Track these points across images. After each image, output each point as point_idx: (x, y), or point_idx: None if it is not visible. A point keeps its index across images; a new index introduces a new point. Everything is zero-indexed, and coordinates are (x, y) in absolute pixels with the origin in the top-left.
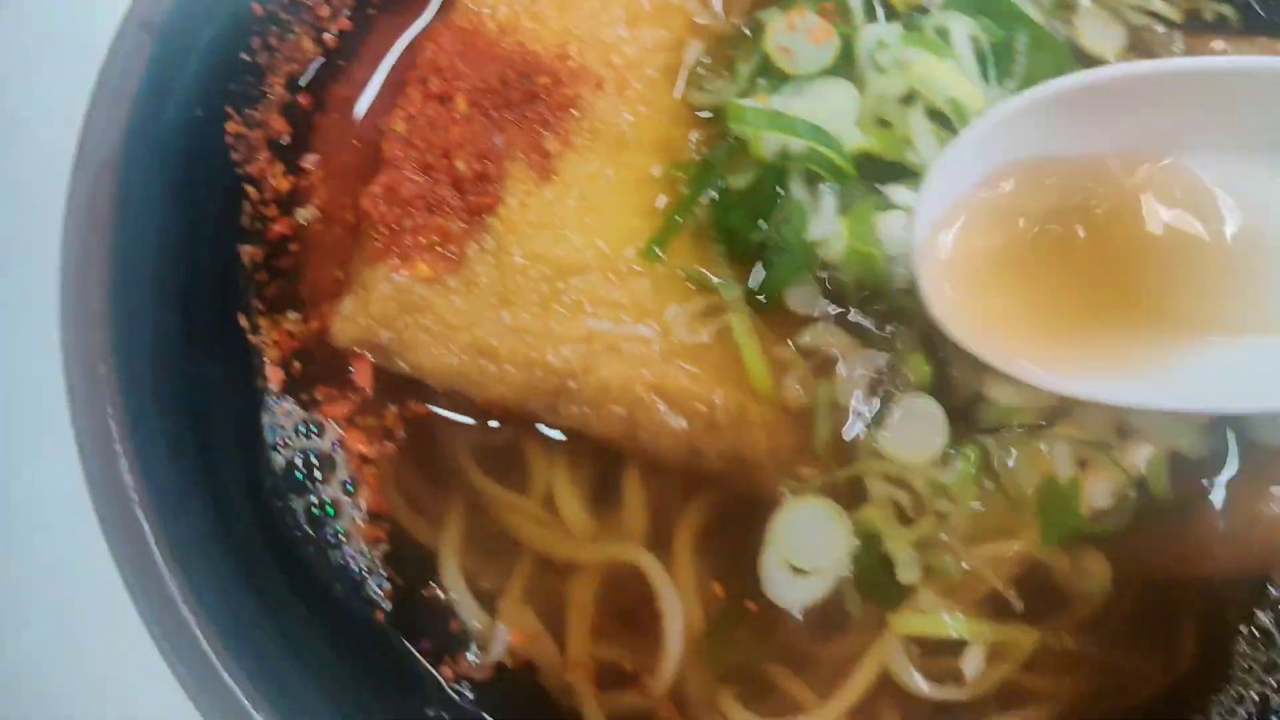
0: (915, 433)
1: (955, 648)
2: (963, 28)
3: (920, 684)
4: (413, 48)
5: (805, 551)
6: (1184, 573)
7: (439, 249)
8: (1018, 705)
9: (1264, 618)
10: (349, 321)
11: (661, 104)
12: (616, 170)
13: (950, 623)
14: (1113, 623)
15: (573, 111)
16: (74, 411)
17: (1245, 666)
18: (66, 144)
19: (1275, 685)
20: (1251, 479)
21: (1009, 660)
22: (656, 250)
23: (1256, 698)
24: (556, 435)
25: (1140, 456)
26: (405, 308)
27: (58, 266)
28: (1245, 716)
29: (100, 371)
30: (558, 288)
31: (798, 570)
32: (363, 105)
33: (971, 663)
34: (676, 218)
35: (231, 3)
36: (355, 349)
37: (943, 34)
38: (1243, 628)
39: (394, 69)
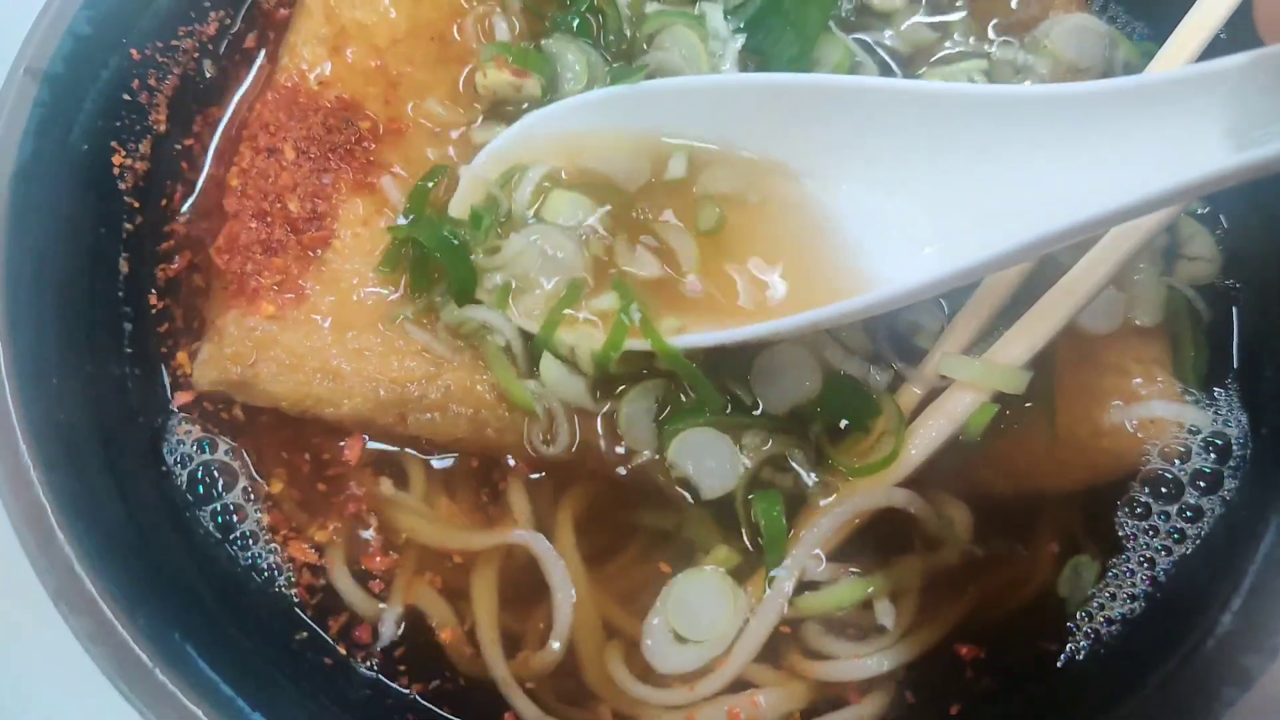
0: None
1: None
2: None
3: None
4: (242, 105)
5: (692, 622)
6: (1051, 483)
7: (281, 287)
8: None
9: (1139, 494)
10: (206, 366)
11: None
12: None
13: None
14: (992, 540)
15: (393, 145)
16: None
17: (1131, 535)
18: None
19: (1159, 548)
20: (1082, 380)
21: (914, 600)
22: (384, 269)
23: (1145, 560)
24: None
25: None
26: (256, 345)
27: None
28: (1142, 579)
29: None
30: (394, 307)
31: (679, 638)
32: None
33: (885, 613)
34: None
35: (112, 48)
36: (216, 388)
37: None
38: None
39: (226, 125)
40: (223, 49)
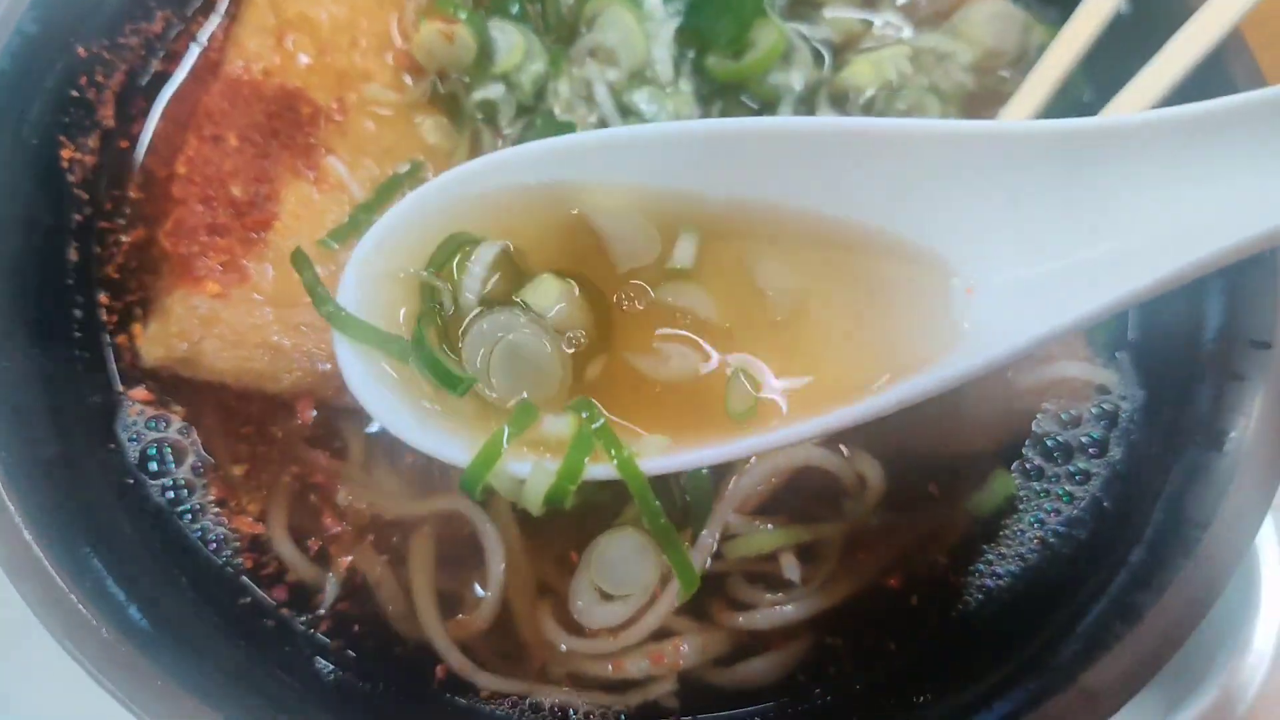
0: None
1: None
2: None
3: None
4: (187, 98)
5: (615, 578)
6: (963, 441)
7: (226, 267)
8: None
9: (1031, 454)
10: (153, 343)
11: (402, 112)
12: (380, 171)
13: (768, 536)
14: (903, 496)
15: (335, 130)
16: None
17: (1025, 498)
18: None
19: (1049, 509)
20: None
21: (830, 552)
22: (331, 243)
23: (1037, 520)
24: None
25: None
26: (200, 323)
27: None
28: (1033, 538)
29: None
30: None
31: (606, 595)
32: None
33: (790, 568)
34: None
35: (59, 46)
36: (163, 364)
37: None
38: (1016, 465)
39: (172, 117)
40: (169, 45)
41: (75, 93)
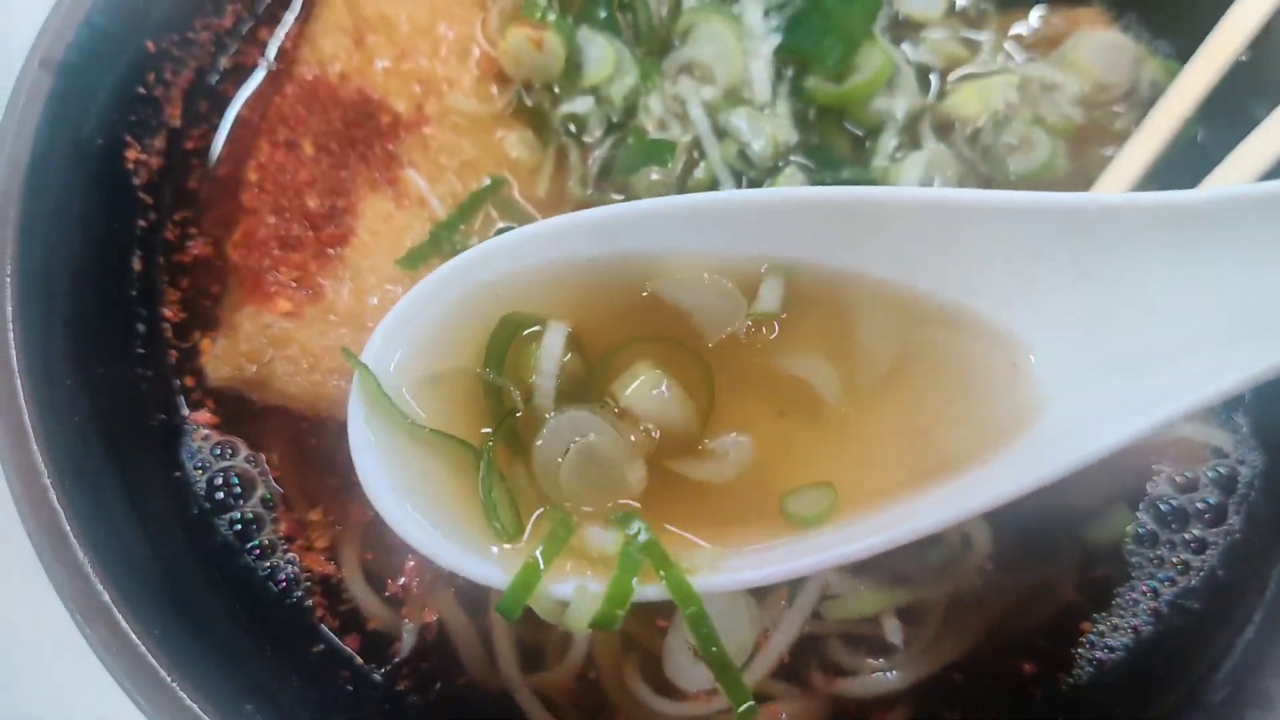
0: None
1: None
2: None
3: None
4: (259, 100)
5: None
6: (1071, 499)
7: (298, 284)
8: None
9: (1145, 517)
10: (220, 362)
11: (485, 124)
12: (461, 187)
13: (869, 597)
14: (1009, 559)
15: (415, 141)
16: None
17: (1138, 565)
18: None
19: (1163, 578)
20: None
21: (933, 615)
22: (409, 265)
23: (1151, 590)
24: None
25: None
26: (271, 342)
27: None
28: (1146, 609)
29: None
30: None
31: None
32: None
33: (893, 631)
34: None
35: (128, 40)
36: (230, 385)
37: None
38: (1130, 530)
39: (243, 120)
40: (239, 41)
41: (142, 90)
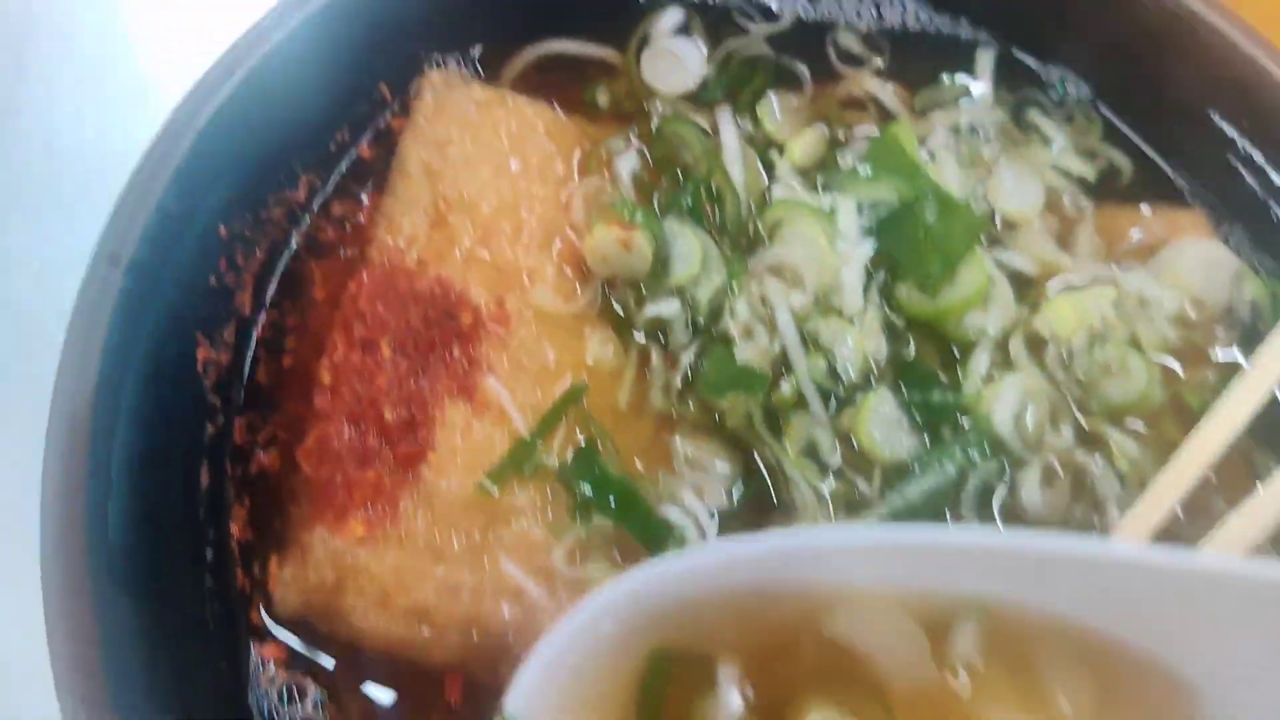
0: None
1: None
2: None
3: None
4: (332, 281)
5: None
6: None
7: (372, 505)
8: None
9: None
10: (289, 590)
11: (566, 324)
12: (541, 396)
13: None
14: None
15: (495, 343)
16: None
17: None
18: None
19: None
20: None
21: None
22: (491, 486)
23: None
24: None
25: None
26: (341, 572)
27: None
28: None
29: (81, 611)
30: (491, 539)
31: None
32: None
33: None
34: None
35: (199, 225)
36: (299, 616)
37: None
38: None
39: (317, 305)
40: (312, 215)
41: (214, 280)
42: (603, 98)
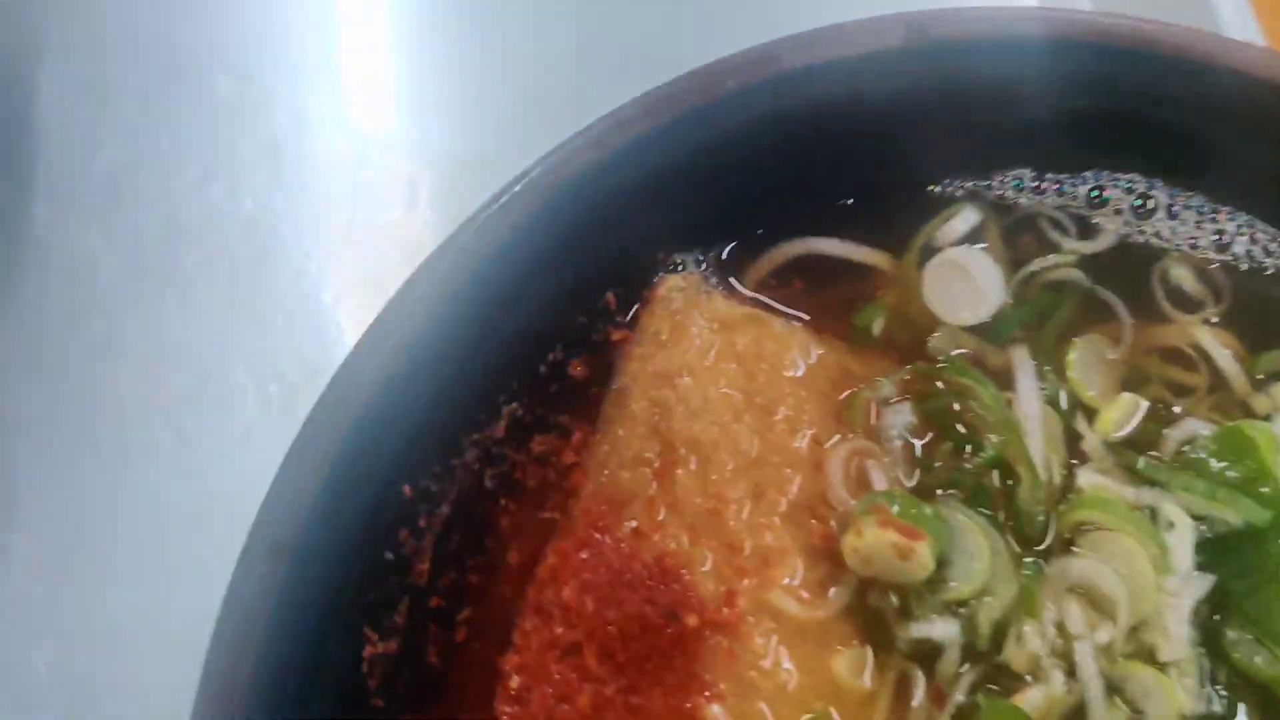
0: None
1: None
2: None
3: None
4: (526, 546)
5: None
6: None
7: None
8: None
9: None
10: None
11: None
12: None
13: None
14: None
15: (721, 661)
16: None
17: None
18: None
19: None
20: None
21: None
22: None
23: None
24: None
25: None
26: None
27: None
28: None
29: None
30: None
31: None
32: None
33: None
34: None
35: (384, 487)
36: None
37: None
38: None
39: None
40: (510, 455)
41: (390, 555)
42: (875, 322)
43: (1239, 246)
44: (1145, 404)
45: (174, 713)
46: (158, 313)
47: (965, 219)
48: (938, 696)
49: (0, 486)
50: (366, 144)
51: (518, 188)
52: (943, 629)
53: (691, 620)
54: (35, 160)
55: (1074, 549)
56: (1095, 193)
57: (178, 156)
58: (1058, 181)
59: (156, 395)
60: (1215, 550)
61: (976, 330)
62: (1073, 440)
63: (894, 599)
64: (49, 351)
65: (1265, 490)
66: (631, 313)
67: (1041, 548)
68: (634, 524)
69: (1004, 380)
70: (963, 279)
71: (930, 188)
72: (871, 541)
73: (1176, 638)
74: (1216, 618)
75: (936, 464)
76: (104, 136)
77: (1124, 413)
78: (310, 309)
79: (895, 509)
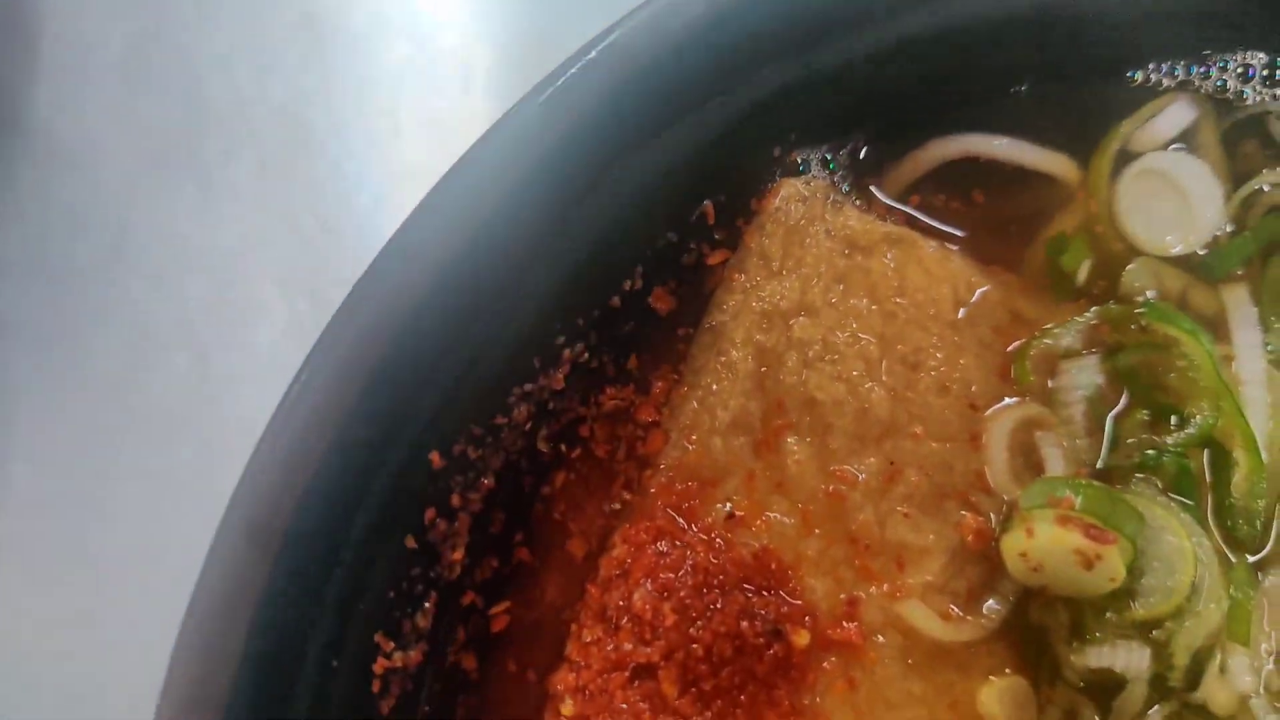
0: None
1: None
2: None
3: None
4: (589, 530)
5: None
6: None
7: None
8: None
9: None
10: None
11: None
12: None
13: None
14: None
15: (836, 694)
16: None
17: None
18: None
19: None
20: None
21: None
22: None
23: None
24: None
25: None
26: None
27: None
28: None
29: None
30: None
31: None
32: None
33: None
34: None
35: (399, 450)
36: None
37: None
38: None
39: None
40: (570, 412)
41: (413, 541)
42: (1055, 249)
43: None
44: None
45: None
46: (174, 211)
47: (1174, 116)
48: None
49: None
50: (415, 17)
51: (594, 52)
52: (1126, 657)
53: (800, 639)
54: (38, 34)
55: None
56: None
57: (200, 29)
58: None
59: (171, 306)
60: None
61: (1183, 263)
62: None
63: (1064, 615)
64: (52, 253)
65: None
66: (734, 228)
67: (1259, 556)
68: (728, 507)
69: (1218, 331)
70: (1169, 194)
71: (1130, 73)
72: (1045, 543)
73: None
74: None
75: (1129, 440)
76: (117, 4)
77: None
78: (347, 211)
79: (1079, 502)
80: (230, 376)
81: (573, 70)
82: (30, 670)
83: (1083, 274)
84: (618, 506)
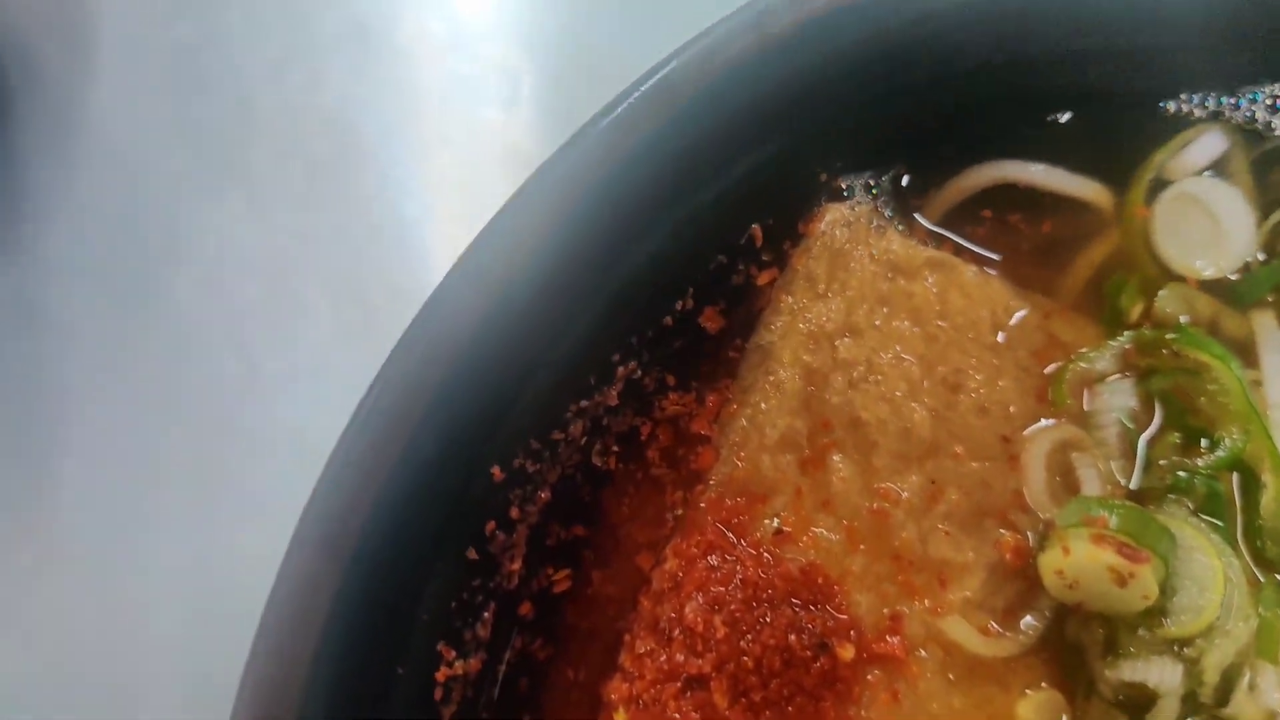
0: None
1: None
2: None
3: None
4: (639, 540)
5: None
6: None
7: None
8: None
9: None
10: None
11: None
12: None
13: None
14: None
15: (880, 707)
16: None
17: None
18: None
19: None
20: None
21: None
22: None
23: None
24: None
25: None
26: None
27: None
28: None
29: None
30: None
31: None
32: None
33: None
34: None
35: (463, 472)
36: None
37: None
38: None
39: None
40: (625, 431)
41: (474, 553)
42: (1092, 274)
43: None
44: None
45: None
46: (223, 216)
47: (1207, 146)
48: None
49: (45, 408)
50: (463, 30)
51: (648, 85)
52: (1160, 673)
53: (846, 652)
54: (95, 39)
55: None
56: None
57: (251, 37)
58: None
59: (219, 310)
60: None
61: (1214, 288)
62: None
63: (1099, 631)
64: (103, 254)
65: None
66: (781, 251)
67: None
68: (776, 523)
69: (1248, 356)
70: (1202, 219)
71: (1163, 104)
72: (1081, 561)
73: None
74: None
75: (1161, 461)
76: (171, 12)
77: None
78: (396, 220)
79: (1113, 522)
80: (277, 379)
81: (625, 104)
82: (75, 670)
83: (1135, 313)
84: (669, 520)
